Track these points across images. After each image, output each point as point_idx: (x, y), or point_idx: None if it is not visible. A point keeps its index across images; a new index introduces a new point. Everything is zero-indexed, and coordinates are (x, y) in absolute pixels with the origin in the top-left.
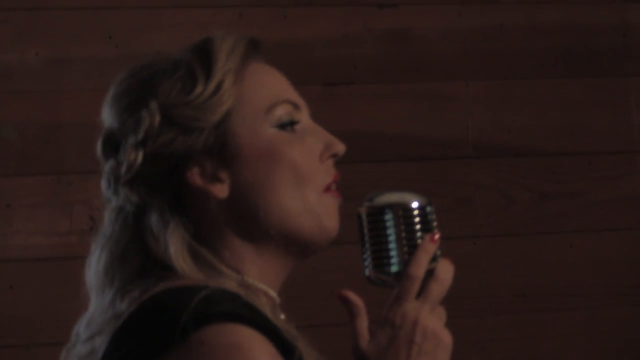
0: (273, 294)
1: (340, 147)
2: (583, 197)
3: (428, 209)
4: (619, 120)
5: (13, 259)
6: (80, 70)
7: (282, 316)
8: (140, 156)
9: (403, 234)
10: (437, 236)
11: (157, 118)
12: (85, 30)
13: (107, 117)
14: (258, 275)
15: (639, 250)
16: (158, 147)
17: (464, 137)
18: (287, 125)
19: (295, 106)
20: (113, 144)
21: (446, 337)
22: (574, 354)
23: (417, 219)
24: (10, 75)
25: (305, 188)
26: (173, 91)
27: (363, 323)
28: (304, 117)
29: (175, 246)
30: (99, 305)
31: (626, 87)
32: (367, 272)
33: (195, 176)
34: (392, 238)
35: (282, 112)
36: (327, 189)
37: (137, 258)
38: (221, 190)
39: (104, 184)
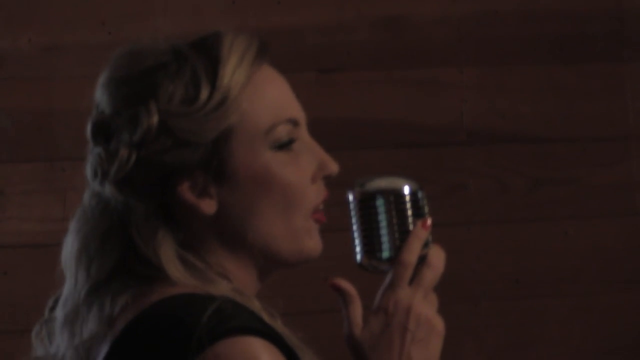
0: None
1: (333, 168)
2: (577, 183)
3: (419, 194)
4: (613, 107)
5: (7, 245)
6: (74, 56)
7: (279, 320)
8: (133, 158)
9: (394, 220)
10: (428, 222)
11: (155, 123)
12: (79, 16)
13: (102, 99)
14: (240, 283)
15: (633, 236)
16: (151, 154)
17: (458, 124)
18: (285, 145)
19: (295, 123)
20: (105, 131)
21: (439, 324)
22: (568, 340)
23: (408, 205)
24: (3, 61)
25: (294, 212)
26: (174, 97)
27: (356, 311)
28: (302, 132)
29: (165, 254)
30: (72, 290)
31: (621, 73)
32: (358, 258)
33: (185, 190)
34: (383, 224)
35: (281, 133)
36: (315, 212)
37: (117, 249)
38: (209, 207)
39: (89, 171)
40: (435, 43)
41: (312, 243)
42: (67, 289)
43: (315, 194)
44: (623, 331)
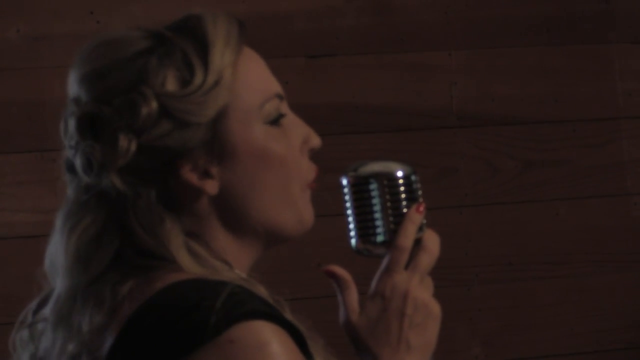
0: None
1: (317, 142)
2: (568, 164)
3: (413, 178)
4: (602, 88)
5: None
6: (62, 46)
7: (287, 308)
8: (134, 145)
9: (388, 204)
10: (422, 206)
11: (155, 107)
12: (67, 6)
13: (82, 92)
14: (235, 264)
15: (624, 216)
16: (152, 139)
17: (448, 107)
18: (276, 120)
19: (281, 98)
20: (93, 123)
21: (436, 308)
22: (561, 322)
23: (402, 188)
24: None
25: (291, 183)
26: (168, 80)
27: (352, 296)
28: (286, 107)
29: (175, 243)
30: (67, 288)
31: (610, 54)
32: (353, 242)
33: (188, 173)
34: (377, 208)
35: (272, 108)
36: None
37: (114, 242)
38: (212, 187)
39: (82, 165)
40: (423, 26)
41: (309, 212)
42: (59, 287)
43: (308, 169)
44: (616, 312)
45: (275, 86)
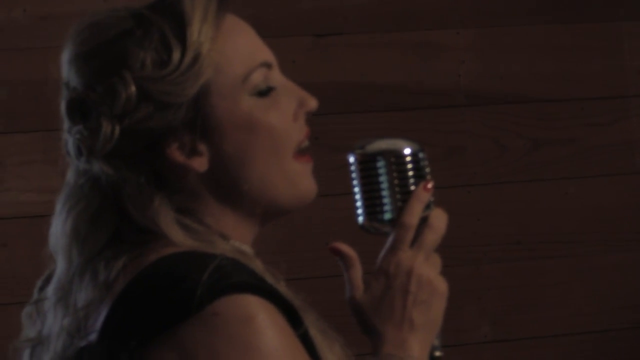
0: (251, 251)
1: (312, 104)
2: (576, 143)
3: (420, 155)
4: (611, 66)
5: (5, 216)
6: (69, 25)
7: (282, 282)
8: (117, 130)
9: (396, 181)
10: (430, 184)
11: (134, 91)
12: None
13: (71, 76)
14: (237, 237)
15: (632, 195)
16: (135, 123)
17: (456, 86)
18: (265, 93)
19: (269, 66)
20: (81, 108)
21: (441, 285)
22: (570, 301)
23: (409, 166)
24: None
25: (282, 153)
26: (147, 63)
27: (357, 274)
28: (276, 75)
29: (164, 222)
30: (66, 268)
31: (618, 32)
32: (360, 220)
33: (174, 152)
34: (384, 185)
35: (258, 79)
36: (299, 155)
37: (111, 223)
38: (201, 164)
39: (73, 150)
40: (431, 5)
41: (306, 184)
42: (59, 268)
43: (297, 132)
44: (624, 291)
45: (261, 55)
